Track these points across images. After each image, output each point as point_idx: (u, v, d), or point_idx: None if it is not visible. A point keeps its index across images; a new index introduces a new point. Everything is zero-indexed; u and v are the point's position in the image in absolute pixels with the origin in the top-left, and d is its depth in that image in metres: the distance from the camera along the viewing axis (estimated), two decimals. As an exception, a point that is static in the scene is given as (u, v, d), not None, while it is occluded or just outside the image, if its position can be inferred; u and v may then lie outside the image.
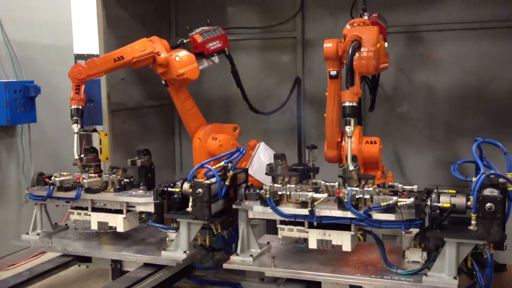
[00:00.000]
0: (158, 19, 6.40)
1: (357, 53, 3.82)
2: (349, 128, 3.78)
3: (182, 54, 4.83)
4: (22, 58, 6.19)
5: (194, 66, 4.85)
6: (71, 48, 7.22)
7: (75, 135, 4.67)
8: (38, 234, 4.70)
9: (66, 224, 4.97)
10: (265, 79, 6.27)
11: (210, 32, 5.04)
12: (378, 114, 5.69)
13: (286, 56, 6.20)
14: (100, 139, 5.50)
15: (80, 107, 4.71)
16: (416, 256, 3.76)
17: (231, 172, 4.12)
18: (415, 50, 5.67)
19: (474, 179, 3.51)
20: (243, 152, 4.29)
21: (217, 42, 5.05)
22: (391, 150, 5.72)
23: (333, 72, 4.24)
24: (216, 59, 5.15)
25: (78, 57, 7.98)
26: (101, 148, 5.40)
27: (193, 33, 5.03)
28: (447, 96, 5.65)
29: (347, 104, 3.79)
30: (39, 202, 4.68)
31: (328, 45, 4.22)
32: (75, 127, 4.66)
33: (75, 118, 4.68)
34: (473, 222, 3.42)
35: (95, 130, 7.26)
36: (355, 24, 4.24)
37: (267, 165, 4.29)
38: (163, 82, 4.99)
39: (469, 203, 3.46)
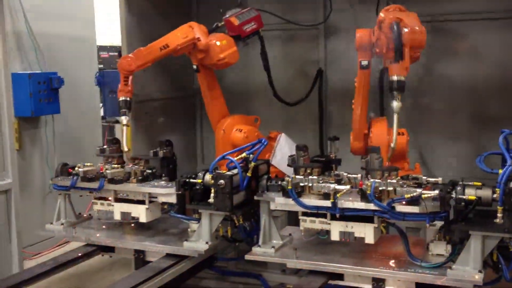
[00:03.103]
0: (179, 9, 6.39)
1: (405, 29, 3.74)
2: (396, 103, 3.71)
3: (222, 38, 4.78)
4: (46, 50, 6.25)
5: (234, 49, 4.79)
6: (94, 40, 7.27)
7: (124, 128, 4.62)
8: (62, 224, 4.74)
9: (89, 214, 5.02)
10: (287, 70, 6.23)
11: (244, 14, 4.97)
12: (402, 106, 5.62)
13: (308, 46, 6.15)
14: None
15: (128, 98, 4.63)
16: (440, 249, 3.70)
17: (252, 164, 4.11)
18: (438, 40, 5.58)
19: (500, 171, 3.45)
20: (265, 143, 4.27)
21: (253, 23, 4.98)
22: (414, 142, 5.65)
23: (364, 62, 4.18)
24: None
25: (101, 48, 8.04)
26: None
27: (227, 16, 4.97)
28: (471, 87, 5.55)
29: (395, 78, 3.69)
30: (63, 192, 4.73)
31: (361, 34, 4.15)
32: (124, 119, 4.61)
33: (123, 110, 4.62)
34: (499, 215, 3.36)
35: (117, 122, 7.32)
36: (391, 10, 4.16)
37: (289, 156, 4.27)
38: (194, 67, 4.97)
39: (495, 195, 3.40)
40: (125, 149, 4.63)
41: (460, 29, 5.53)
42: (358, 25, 5.10)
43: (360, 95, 4.32)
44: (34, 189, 6.10)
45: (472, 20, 5.45)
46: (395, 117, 3.75)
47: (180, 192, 4.23)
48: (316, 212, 3.81)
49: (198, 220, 4.27)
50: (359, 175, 3.93)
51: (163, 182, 4.56)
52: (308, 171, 3.92)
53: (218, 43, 4.73)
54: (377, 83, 5.50)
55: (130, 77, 4.63)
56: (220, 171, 4.13)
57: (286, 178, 3.87)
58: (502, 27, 5.36)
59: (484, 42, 5.45)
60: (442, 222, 3.57)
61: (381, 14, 4.10)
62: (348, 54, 5.26)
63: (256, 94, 6.18)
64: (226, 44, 4.76)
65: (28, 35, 6.07)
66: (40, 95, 5.85)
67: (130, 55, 4.66)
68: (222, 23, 4.96)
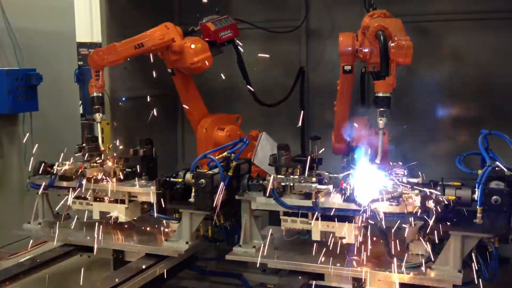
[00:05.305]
0: (160, 7, 6.34)
1: (391, 42, 3.66)
2: (381, 120, 3.67)
3: (197, 42, 4.72)
4: (24, 46, 6.14)
5: (208, 54, 4.74)
6: (74, 36, 7.17)
7: (98, 125, 4.54)
8: (39, 224, 4.68)
9: (68, 214, 4.94)
10: (269, 69, 6.21)
11: (221, 21, 4.94)
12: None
13: (290, 46, 6.14)
14: (102, 128, 5.44)
15: (100, 94, 4.53)
16: (420, 249, 3.72)
17: (234, 163, 4.09)
18: (419, 41, 5.61)
19: (479, 171, 3.48)
20: (247, 142, 4.25)
21: (229, 31, 4.95)
22: (394, 143, 5.67)
23: (348, 67, 4.13)
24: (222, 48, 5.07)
25: (81, 45, 7.93)
26: (103, 137, 5.35)
27: (204, 21, 4.92)
28: (450, 87, 5.60)
29: (380, 94, 3.65)
30: (40, 191, 4.65)
31: (344, 39, 4.08)
32: (98, 116, 4.52)
33: (96, 106, 4.51)
34: (478, 215, 3.39)
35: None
36: (375, 16, 4.13)
37: (270, 155, 4.26)
38: (169, 70, 4.91)
39: (474, 195, 3.43)
40: (101, 148, 4.59)
41: (441, 29, 5.56)
42: (339, 25, 5.12)
43: (342, 98, 4.30)
44: (11, 187, 6.00)
45: (452, 20, 5.49)
46: (380, 133, 3.70)
47: (160, 191, 4.18)
48: (297, 212, 3.79)
49: (179, 219, 4.23)
50: (340, 175, 3.93)
51: (143, 181, 4.51)
52: (290, 170, 3.90)
53: (192, 46, 4.67)
54: (359, 83, 5.49)
55: (101, 72, 4.53)
56: (200, 170, 4.10)
57: (268, 178, 3.85)
58: (482, 28, 5.40)
59: (464, 43, 5.50)
60: (422, 222, 3.58)
61: (366, 20, 4.09)
62: (330, 53, 5.28)
63: (237, 93, 6.14)
64: (200, 48, 4.69)
65: (7, 31, 5.96)
66: (18, 92, 5.73)
67: (102, 49, 4.58)
68: (198, 27, 4.91)
